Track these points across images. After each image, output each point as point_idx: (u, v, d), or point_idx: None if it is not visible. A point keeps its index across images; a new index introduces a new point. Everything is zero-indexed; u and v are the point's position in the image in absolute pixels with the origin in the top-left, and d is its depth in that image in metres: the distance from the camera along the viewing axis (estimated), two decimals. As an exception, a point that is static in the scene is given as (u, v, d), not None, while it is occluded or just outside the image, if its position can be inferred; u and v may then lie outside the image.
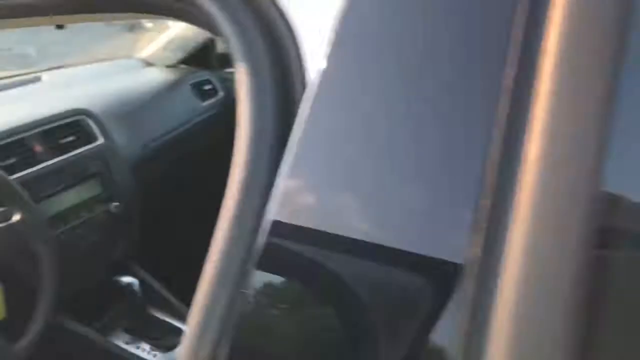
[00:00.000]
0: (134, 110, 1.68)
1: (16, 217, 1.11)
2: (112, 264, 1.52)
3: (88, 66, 2.07)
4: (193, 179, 2.00)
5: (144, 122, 1.68)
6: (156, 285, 1.55)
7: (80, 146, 1.44)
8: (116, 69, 2.00)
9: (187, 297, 1.54)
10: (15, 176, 1.21)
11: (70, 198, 1.40)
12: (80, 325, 1.39)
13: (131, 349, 1.40)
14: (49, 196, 1.34)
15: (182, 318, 1.50)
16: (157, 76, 1.94)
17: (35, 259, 1.11)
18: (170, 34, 2.04)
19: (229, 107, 2.04)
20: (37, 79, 1.79)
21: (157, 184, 1.71)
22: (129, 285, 1.40)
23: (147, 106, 1.74)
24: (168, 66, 2.05)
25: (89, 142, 1.47)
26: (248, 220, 0.50)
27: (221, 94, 2.02)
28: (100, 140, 1.49)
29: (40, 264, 1.11)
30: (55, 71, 1.90)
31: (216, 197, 1.98)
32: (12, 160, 1.25)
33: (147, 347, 1.41)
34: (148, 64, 2.08)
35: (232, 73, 2.11)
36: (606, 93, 0.40)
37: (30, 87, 1.75)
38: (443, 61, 0.46)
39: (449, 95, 0.46)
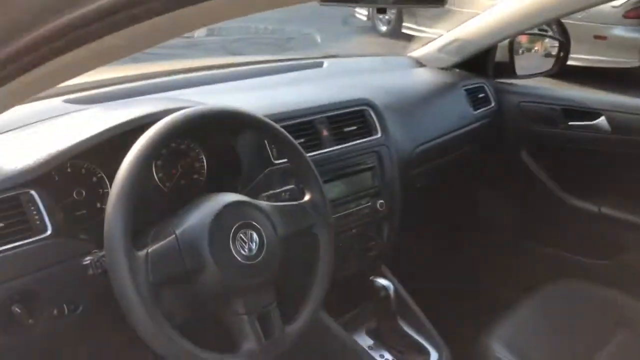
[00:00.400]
0: (410, 109, 1.62)
1: (307, 197, 1.10)
2: (366, 262, 1.47)
3: (362, 58, 2.08)
4: (450, 188, 1.90)
5: (418, 122, 1.61)
6: (404, 294, 1.47)
7: (361, 137, 1.41)
8: (390, 65, 1.98)
9: (430, 313, 1.43)
10: (305, 156, 1.21)
11: (342, 188, 1.37)
12: (326, 315, 1.36)
13: (374, 354, 1.34)
14: (325, 182, 1.32)
15: (426, 335, 1.41)
16: (431, 77, 1.87)
17: (315, 242, 1.09)
18: (450, 36, 1.95)
19: (498, 119, 1.90)
20: (319, 64, 1.83)
21: (416, 188, 1.63)
22: (384, 288, 1.32)
23: (423, 107, 1.67)
24: (441, 68, 1.97)
25: (369, 135, 1.43)
26: None
27: (493, 104, 1.88)
28: (379, 134, 1.45)
29: (318, 247, 1.08)
30: (333, 59, 1.93)
31: (470, 211, 1.86)
32: (301, 140, 1.25)
33: (390, 357, 1.34)
34: (420, 64, 2.02)
35: (507, 84, 1.95)
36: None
37: (312, 72, 1.79)
38: None
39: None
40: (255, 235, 0.97)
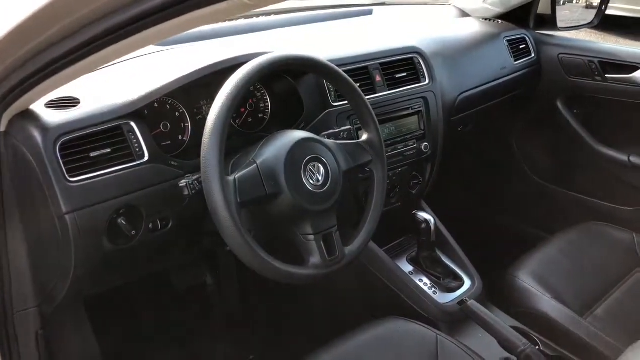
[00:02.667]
0: (455, 58, 1.72)
1: (364, 137, 1.23)
2: (409, 197, 1.62)
3: (409, 6, 2.16)
4: (488, 133, 2.02)
5: (463, 71, 1.71)
6: (442, 227, 1.62)
7: (411, 83, 1.53)
8: (436, 14, 2.06)
9: (465, 246, 1.58)
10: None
11: (393, 130, 1.51)
12: (374, 244, 1.52)
13: (414, 278, 1.50)
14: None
15: (461, 264, 1.56)
16: (475, 27, 1.95)
17: (371, 177, 1.23)
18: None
19: (537, 69, 1.98)
20: (369, 12, 1.92)
21: (457, 132, 1.75)
22: (425, 221, 1.48)
23: (467, 56, 1.77)
24: (484, 19, 2.05)
25: (418, 81, 1.55)
26: None
27: (533, 55, 1.96)
28: (427, 81, 1.56)
29: (374, 182, 1.22)
30: (382, 7, 2.02)
31: (506, 155, 1.99)
32: (357, 85, 1.37)
33: (428, 282, 1.50)
34: (464, 13, 2.10)
35: (547, 36, 2.03)
36: None
37: (363, 19, 1.89)
38: None
39: None
40: (322, 168, 1.12)
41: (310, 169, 1.11)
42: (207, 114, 1.02)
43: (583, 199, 2.01)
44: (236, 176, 1.03)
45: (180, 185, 1.10)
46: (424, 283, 1.49)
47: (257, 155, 1.09)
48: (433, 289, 1.48)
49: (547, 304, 1.39)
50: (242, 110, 1.36)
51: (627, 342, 1.04)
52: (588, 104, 1.97)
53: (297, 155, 1.09)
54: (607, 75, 1.88)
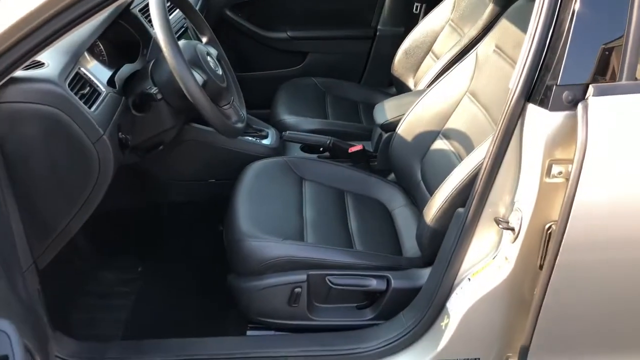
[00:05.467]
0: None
1: (204, 40, 1.76)
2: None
3: None
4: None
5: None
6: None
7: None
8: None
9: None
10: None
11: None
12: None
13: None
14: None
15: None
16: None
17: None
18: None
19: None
20: None
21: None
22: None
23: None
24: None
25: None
26: None
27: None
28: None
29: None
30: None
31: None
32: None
33: (251, 138, 2.12)
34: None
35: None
36: None
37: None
38: None
39: None
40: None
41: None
42: None
43: (273, 72, 2.87)
44: None
45: (152, 91, 1.46)
46: (250, 139, 2.11)
47: None
48: (257, 140, 2.11)
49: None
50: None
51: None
52: (246, 6, 2.78)
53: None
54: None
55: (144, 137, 1.55)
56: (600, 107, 1.11)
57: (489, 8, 2.16)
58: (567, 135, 1.14)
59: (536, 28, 1.15)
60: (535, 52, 1.16)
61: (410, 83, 2.53)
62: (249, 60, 2.89)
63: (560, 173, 1.16)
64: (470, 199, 1.30)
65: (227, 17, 2.75)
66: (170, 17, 1.95)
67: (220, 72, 1.64)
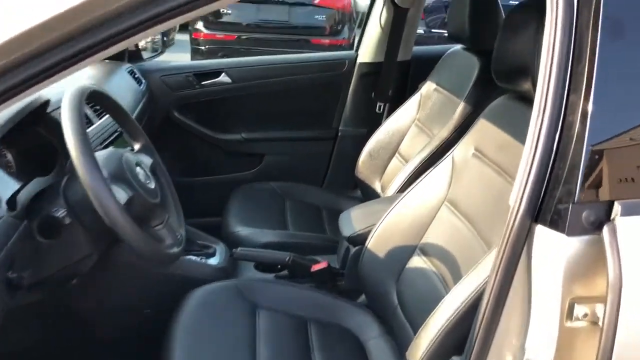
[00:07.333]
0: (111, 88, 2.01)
1: (137, 146, 1.49)
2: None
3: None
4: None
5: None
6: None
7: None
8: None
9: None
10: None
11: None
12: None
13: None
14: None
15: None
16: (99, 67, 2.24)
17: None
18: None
19: (149, 94, 2.42)
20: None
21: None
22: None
23: (115, 86, 2.08)
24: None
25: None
26: None
27: (144, 81, 2.40)
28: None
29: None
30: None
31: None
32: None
33: (194, 257, 1.81)
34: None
35: (149, 64, 2.50)
36: None
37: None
38: None
39: None
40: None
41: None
42: None
43: (226, 177, 2.61)
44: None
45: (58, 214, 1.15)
46: (193, 259, 1.80)
47: None
48: (202, 259, 1.81)
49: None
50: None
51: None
52: (196, 107, 2.56)
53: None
54: (202, 83, 2.51)
55: (51, 271, 1.23)
56: (632, 229, 0.86)
57: (460, 107, 1.99)
58: (591, 266, 0.88)
59: (539, 132, 0.92)
60: (541, 161, 0.92)
61: (377, 186, 2.32)
62: (200, 164, 2.63)
63: (585, 315, 0.89)
64: (468, 345, 1.01)
65: (174, 118, 2.52)
66: (101, 120, 1.72)
67: (152, 185, 1.36)
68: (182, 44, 6.99)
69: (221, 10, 6.42)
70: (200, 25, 6.41)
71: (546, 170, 0.93)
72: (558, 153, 0.92)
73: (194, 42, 6.48)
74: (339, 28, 6.49)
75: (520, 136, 1.40)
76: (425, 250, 1.55)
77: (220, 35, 6.39)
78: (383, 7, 2.46)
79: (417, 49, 2.71)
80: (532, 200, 0.93)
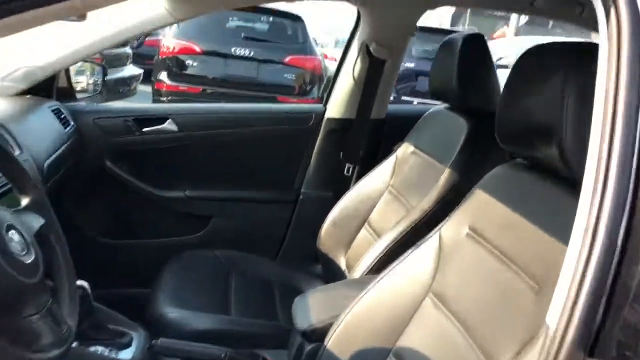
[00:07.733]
0: (26, 131, 1.64)
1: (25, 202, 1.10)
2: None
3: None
4: (67, 202, 1.96)
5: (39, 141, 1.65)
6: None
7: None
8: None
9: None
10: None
11: None
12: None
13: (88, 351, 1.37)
14: None
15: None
16: (8, 104, 1.86)
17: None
18: (14, 65, 1.98)
19: (78, 137, 2.04)
20: None
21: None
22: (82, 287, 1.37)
23: (29, 129, 1.70)
24: (11, 95, 1.98)
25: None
26: None
27: (72, 123, 2.02)
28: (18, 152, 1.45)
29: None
30: None
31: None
32: None
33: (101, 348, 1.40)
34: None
35: (81, 105, 2.14)
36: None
37: None
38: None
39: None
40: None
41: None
42: None
43: (164, 240, 2.21)
44: None
45: None
46: (100, 351, 1.38)
47: None
48: (112, 351, 1.39)
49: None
50: None
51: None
52: (135, 157, 2.18)
53: None
54: (143, 129, 2.14)
55: None
56: None
57: (445, 174, 1.67)
58: None
59: (595, 221, 0.60)
60: (599, 265, 0.59)
61: (342, 262, 1.96)
62: (135, 224, 2.23)
63: None
64: None
65: (107, 169, 2.13)
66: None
67: (30, 258, 0.96)
68: (145, 94, 6.68)
69: (186, 62, 6.18)
70: (163, 75, 6.11)
71: (605, 279, 0.60)
72: (626, 252, 0.60)
73: (156, 92, 6.18)
74: (308, 89, 6.29)
75: (532, 215, 1.09)
76: (402, 357, 1.19)
77: (184, 87, 6.11)
78: (357, 57, 2.17)
79: (392, 107, 2.43)
80: (586, 324, 0.59)
